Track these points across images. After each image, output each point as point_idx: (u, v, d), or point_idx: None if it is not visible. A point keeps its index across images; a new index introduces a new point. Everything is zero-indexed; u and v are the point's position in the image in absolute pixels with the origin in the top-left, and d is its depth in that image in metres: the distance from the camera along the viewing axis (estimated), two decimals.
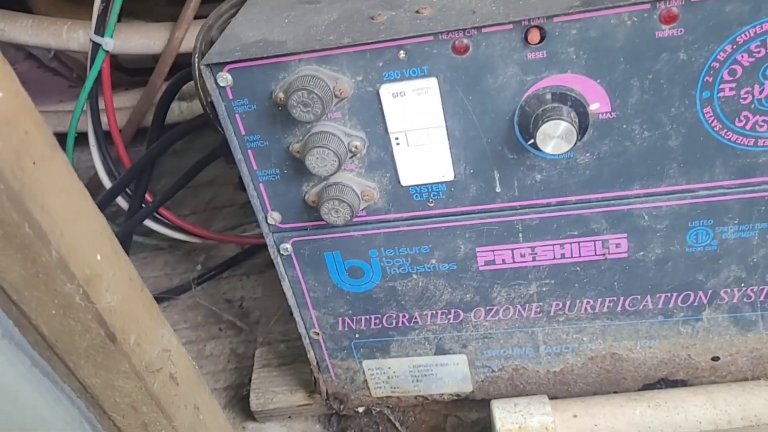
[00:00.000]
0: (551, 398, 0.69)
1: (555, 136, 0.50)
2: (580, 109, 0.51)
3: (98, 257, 0.36)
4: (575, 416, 0.65)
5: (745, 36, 0.48)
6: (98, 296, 0.36)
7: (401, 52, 0.51)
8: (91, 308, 0.36)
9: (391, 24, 0.52)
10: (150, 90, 0.95)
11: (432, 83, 0.52)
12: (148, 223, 0.86)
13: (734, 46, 0.49)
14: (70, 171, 0.34)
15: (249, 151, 0.57)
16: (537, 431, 0.63)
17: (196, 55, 0.64)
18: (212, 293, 0.97)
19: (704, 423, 0.62)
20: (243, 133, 0.56)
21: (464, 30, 0.50)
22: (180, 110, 1.13)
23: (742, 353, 0.64)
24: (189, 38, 0.96)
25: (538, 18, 0.49)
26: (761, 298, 0.61)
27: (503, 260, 0.61)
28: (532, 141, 0.52)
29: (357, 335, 0.68)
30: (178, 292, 0.96)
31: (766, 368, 0.65)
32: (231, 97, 0.54)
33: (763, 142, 0.52)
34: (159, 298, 0.96)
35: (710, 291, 0.61)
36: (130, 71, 1.35)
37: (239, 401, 0.82)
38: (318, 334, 0.69)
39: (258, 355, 0.81)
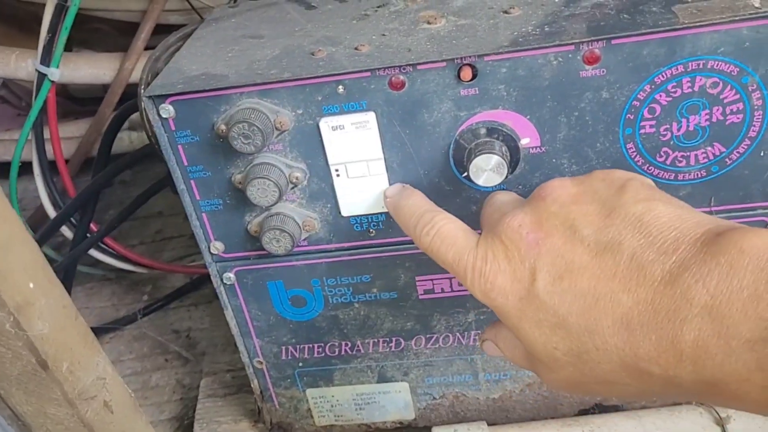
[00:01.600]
0: (491, 424, 0.71)
1: (487, 169, 0.53)
2: (511, 143, 0.54)
3: (30, 285, 0.36)
4: None
5: (662, 77, 0.51)
6: (30, 324, 0.36)
7: (340, 87, 0.53)
8: (22, 335, 0.36)
9: (331, 60, 0.54)
10: (98, 120, 0.95)
11: (370, 117, 0.54)
12: (94, 253, 0.86)
13: (652, 86, 0.52)
14: (2, 199, 0.35)
15: (192, 182, 0.58)
16: None
17: (142, 86, 0.65)
18: (159, 324, 0.96)
19: None
20: (186, 163, 0.57)
21: (400, 66, 0.52)
22: (130, 140, 1.13)
23: None
24: (139, 68, 0.97)
25: (470, 57, 0.51)
26: None
27: (442, 289, 0.63)
28: (466, 174, 0.54)
29: (300, 364, 0.69)
30: (124, 323, 0.95)
31: None
32: (173, 128, 0.55)
33: (683, 177, 0.56)
34: (105, 329, 0.95)
35: None
36: (80, 101, 1.35)
37: None
38: (261, 363, 0.69)
39: (203, 386, 0.81)
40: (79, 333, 0.41)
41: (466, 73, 0.52)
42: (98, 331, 0.95)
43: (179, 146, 0.56)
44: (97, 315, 0.99)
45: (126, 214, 0.82)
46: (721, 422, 0.65)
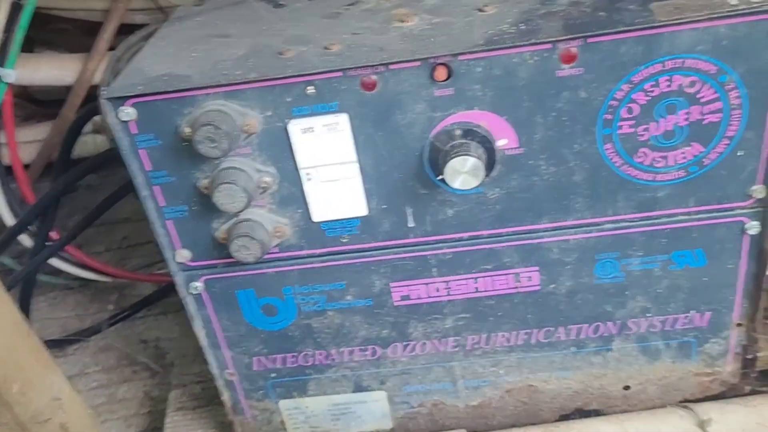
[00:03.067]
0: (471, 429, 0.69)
1: (463, 172, 0.51)
2: (487, 145, 0.52)
3: None
4: None
5: (640, 76, 0.50)
6: None
7: (310, 87, 0.51)
8: None
9: (300, 59, 0.52)
10: (60, 123, 0.92)
11: (342, 119, 0.52)
12: (56, 262, 0.82)
13: (630, 85, 0.51)
14: None
15: (155, 188, 0.55)
16: None
17: (102, 88, 0.62)
18: (127, 334, 0.93)
19: None
20: (148, 168, 0.54)
21: (372, 66, 0.50)
22: (95, 143, 1.09)
23: (652, 381, 0.66)
24: (102, 70, 0.93)
25: (444, 56, 0.50)
26: (666, 328, 0.62)
27: (418, 295, 0.61)
28: (441, 176, 0.52)
29: (273, 375, 0.67)
30: (89, 334, 0.92)
31: (674, 395, 0.67)
32: (135, 131, 0.53)
33: (662, 177, 0.55)
34: (69, 341, 0.92)
35: (619, 322, 0.62)
36: (43, 103, 1.30)
37: None
38: (233, 374, 0.67)
39: (172, 398, 0.78)
40: (32, 351, 0.39)
41: (441, 73, 0.50)
42: (62, 343, 0.92)
43: (141, 150, 0.54)
44: (61, 326, 0.95)
45: (89, 221, 0.79)
46: (702, 425, 0.64)
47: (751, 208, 0.56)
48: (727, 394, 0.67)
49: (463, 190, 0.55)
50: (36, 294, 0.97)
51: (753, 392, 0.68)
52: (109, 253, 1.05)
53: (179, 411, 0.77)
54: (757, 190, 0.55)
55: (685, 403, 0.67)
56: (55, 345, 0.91)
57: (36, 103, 1.32)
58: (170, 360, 0.88)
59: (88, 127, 1.09)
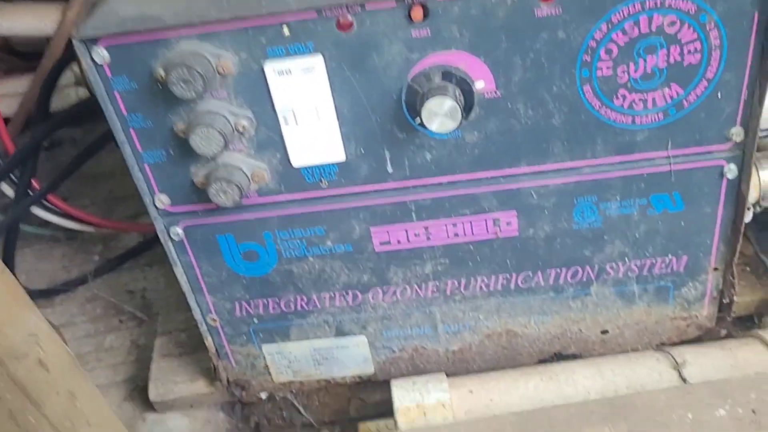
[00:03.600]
0: (451, 376, 0.70)
1: (440, 114, 0.51)
2: (465, 86, 0.52)
3: None
4: (471, 392, 0.66)
5: (619, 15, 0.50)
6: None
7: (285, 28, 0.50)
8: None
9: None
10: (40, 74, 0.91)
11: (318, 61, 0.52)
12: (39, 212, 0.82)
13: (609, 25, 0.50)
14: None
15: (131, 131, 0.55)
16: (434, 408, 0.64)
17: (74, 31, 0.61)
18: (113, 285, 0.93)
19: (593, 393, 0.64)
20: (124, 112, 0.54)
21: (348, 6, 0.49)
22: (78, 97, 1.07)
23: (629, 326, 0.67)
24: None
25: None
26: (644, 272, 0.63)
27: (398, 240, 0.62)
28: (419, 119, 0.52)
29: (255, 320, 0.67)
30: (76, 284, 0.92)
31: (651, 339, 0.68)
32: (109, 74, 0.52)
33: (640, 120, 0.54)
34: (56, 291, 0.92)
35: (596, 266, 0.63)
36: (25, 55, 1.28)
37: (140, 393, 0.80)
38: (215, 320, 0.67)
39: (158, 345, 0.79)
40: (8, 289, 0.39)
41: (417, 13, 0.50)
42: (49, 294, 0.92)
43: (116, 93, 0.53)
44: (48, 277, 0.95)
45: (70, 170, 0.79)
46: (677, 367, 0.65)
47: (730, 151, 0.56)
48: (703, 338, 0.69)
49: (440, 134, 0.54)
50: (23, 246, 0.97)
51: (728, 336, 0.70)
52: (94, 207, 1.05)
53: (165, 358, 0.78)
54: (736, 133, 0.55)
55: (662, 346, 0.68)
56: (42, 296, 0.91)
57: (18, 55, 1.30)
58: (156, 309, 0.88)
59: (71, 80, 1.08)
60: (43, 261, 0.98)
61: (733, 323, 0.76)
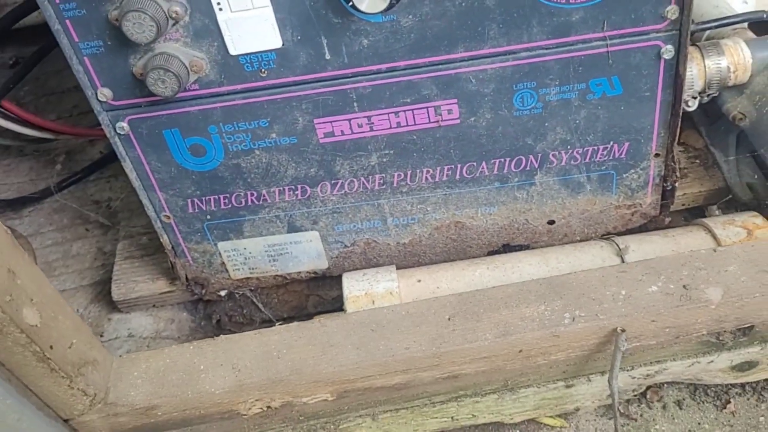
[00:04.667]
0: (402, 269, 0.72)
1: None
2: None
3: None
4: (419, 281, 0.67)
5: None
6: None
7: None
8: None
9: None
10: None
11: None
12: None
13: None
14: None
15: (67, 21, 0.55)
16: (382, 296, 0.66)
17: None
18: (80, 196, 0.94)
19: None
20: (57, 0, 0.54)
21: None
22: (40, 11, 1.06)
23: (574, 215, 0.68)
24: None
25: None
26: (586, 160, 0.64)
27: (342, 131, 0.62)
28: (351, 2, 0.51)
29: (208, 216, 0.69)
30: (45, 195, 0.93)
31: (597, 229, 0.70)
32: None
33: (575, 0, 0.54)
34: (24, 201, 0.93)
35: (540, 155, 0.64)
36: None
37: (105, 295, 0.82)
38: (169, 217, 0.69)
39: (120, 248, 0.81)
40: None
41: None
42: (16, 205, 0.93)
43: None
44: (16, 191, 0.96)
45: (22, 74, 0.78)
46: (620, 253, 0.67)
47: (666, 30, 0.56)
48: (648, 226, 0.70)
49: (375, 17, 0.54)
50: None
51: (673, 226, 0.71)
52: (60, 121, 1.05)
53: (127, 260, 0.80)
54: (671, 10, 0.54)
55: (607, 234, 0.70)
56: (10, 206, 0.93)
57: None
58: (121, 218, 0.89)
59: None
60: (12, 175, 0.99)
61: (684, 219, 0.78)
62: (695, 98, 0.67)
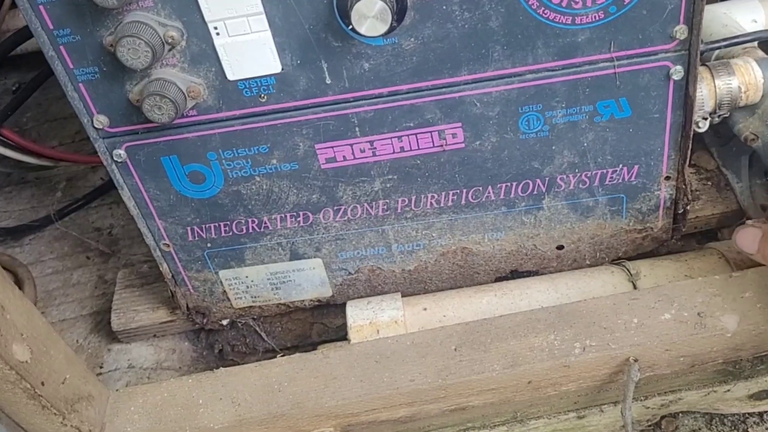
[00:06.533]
0: (410, 295, 0.70)
1: (370, 16, 0.49)
2: None
3: None
4: (425, 309, 0.66)
5: None
6: None
7: None
8: None
9: None
10: None
11: None
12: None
13: None
14: None
15: (61, 48, 0.54)
16: (387, 325, 0.64)
17: None
18: (81, 223, 0.93)
19: (546, 306, 0.64)
20: (51, 27, 0.53)
21: None
22: None
23: (584, 240, 0.66)
24: None
25: None
26: (595, 184, 0.62)
27: (344, 156, 0.61)
28: (351, 25, 0.50)
29: (209, 244, 0.67)
30: (45, 223, 0.92)
31: (608, 254, 0.68)
32: None
33: (581, 20, 0.53)
34: (24, 229, 0.92)
35: (547, 178, 0.62)
36: None
37: (105, 325, 0.80)
38: (168, 245, 0.67)
39: (120, 277, 0.79)
40: None
41: None
42: (17, 233, 0.92)
43: (40, 7, 0.52)
44: (17, 218, 0.95)
45: (21, 100, 0.78)
46: (632, 279, 0.65)
47: (675, 51, 0.54)
48: (660, 251, 0.68)
49: (376, 40, 0.53)
50: None
51: (686, 249, 0.69)
52: (62, 147, 1.04)
53: (127, 289, 0.78)
54: (680, 30, 0.53)
55: (618, 259, 0.68)
56: (11, 234, 0.92)
57: None
58: (123, 246, 0.88)
59: None
60: (13, 202, 0.98)
61: (698, 241, 0.76)
62: (706, 119, 0.66)
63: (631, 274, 0.65)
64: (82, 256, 0.89)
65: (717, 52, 0.70)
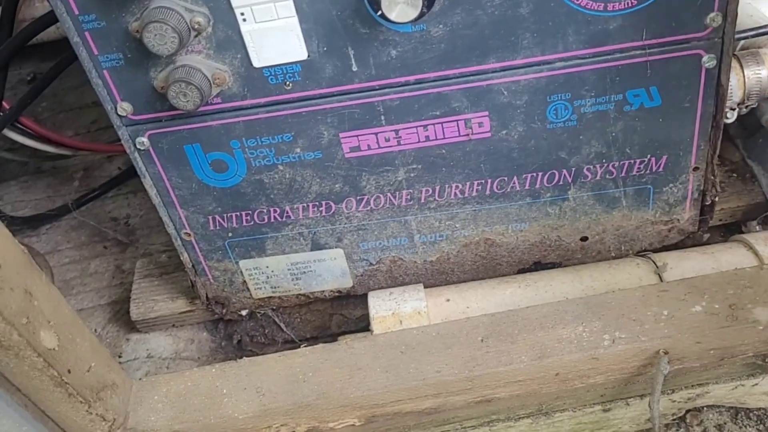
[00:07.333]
0: (431, 287, 0.70)
1: (400, 2, 0.48)
2: None
3: None
4: (448, 300, 0.65)
5: None
6: None
7: None
8: None
9: None
10: None
11: None
12: (15, 136, 0.81)
13: None
14: None
15: (86, 34, 0.53)
16: (409, 316, 0.64)
17: None
18: (97, 213, 0.93)
19: (571, 297, 0.63)
20: (76, 12, 0.52)
21: None
22: (57, 26, 1.05)
23: (609, 231, 0.66)
24: None
25: None
26: (622, 174, 0.61)
27: (368, 146, 0.60)
28: (380, 11, 0.50)
29: (230, 234, 0.67)
30: (60, 213, 0.92)
31: (633, 245, 0.67)
32: None
33: (613, 7, 0.52)
34: (41, 219, 0.92)
35: (574, 169, 0.61)
36: None
37: (123, 315, 0.80)
38: (189, 234, 0.67)
39: (139, 267, 0.79)
40: None
41: None
42: (34, 222, 0.92)
43: None
44: (33, 208, 0.95)
45: (40, 88, 0.77)
46: (658, 271, 0.64)
47: (707, 39, 0.53)
48: (686, 242, 0.67)
49: (404, 27, 0.52)
50: (8, 178, 0.97)
51: (711, 242, 0.68)
52: (78, 137, 1.04)
53: (146, 278, 0.78)
54: (714, 18, 0.52)
55: (643, 251, 0.67)
56: (28, 224, 0.91)
57: None
58: (140, 235, 0.88)
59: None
60: (29, 192, 0.98)
61: (719, 231, 0.75)
62: (734, 110, 0.65)
63: (657, 267, 0.64)
64: (99, 246, 0.89)
65: (742, 42, 0.69)
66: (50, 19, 0.71)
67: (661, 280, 0.64)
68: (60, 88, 1.10)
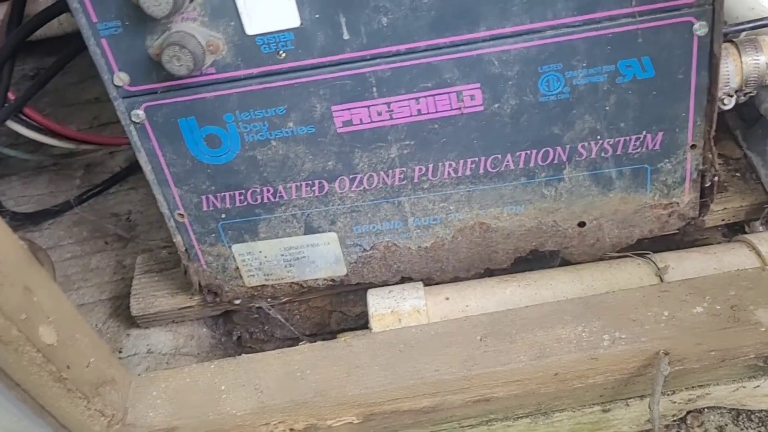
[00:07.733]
0: (427, 278, 0.68)
1: None
2: None
3: None
4: (447, 299, 0.64)
5: None
6: None
7: None
8: None
9: None
10: None
11: None
12: (19, 128, 0.82)
13: None
14: None
15: (85, 0, 0.55)
16: (409, 314, 0.62)
17: None
18: (99, 208, 0.93)
19: (571, 297, 0.61)
20: None
21: None
22: (60, 22, 1.06)
23: (606, 216, 0.64)
24: None
25: None
26: (618, 152, 0.61)
27: (360, 120, 0.60)
28: None
29: (223, 215, 0.66)
30: (62, 209, 0.92)
31: (632, 232, 0.65)
32: None
33: None
34: (43, 215, 0.92)
35: (568, 146, 0.61)
36: None
37: (124, 310, 0.79)
38: (183, 216, 0.67)
39: (139, 262, 0.79)
40: None
41: None
42: (36, 218, 0.93)
43: None
44: (35, 203, 0.96)
45: (45, 79, 0.79)
46: (659, 272, 0.62)
47: (699, 5, 0.53)
48: (687, 230, 0.65)
49: None
50: (9, 173, 0.98)
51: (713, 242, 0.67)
52: (80, 133, 1.05)
53: (146, 274, 0.77)
54: None
55: (643, 252, 0.65)
56: (30, 219, 0.92)
57: None
58: (141, 231, 0.88)
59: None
60: (31, 187, 0.99)
61: (724, 235, 0.74)
62: (731, 96, 0.64)
63: (658, 267, 0.62)
64: (100, 242, 0.89)
65: (743, 34, 0.69)
66: (49, 14, 0.73)
67: (662, 281, 0.62)
68: (61, 83, 1.12)
